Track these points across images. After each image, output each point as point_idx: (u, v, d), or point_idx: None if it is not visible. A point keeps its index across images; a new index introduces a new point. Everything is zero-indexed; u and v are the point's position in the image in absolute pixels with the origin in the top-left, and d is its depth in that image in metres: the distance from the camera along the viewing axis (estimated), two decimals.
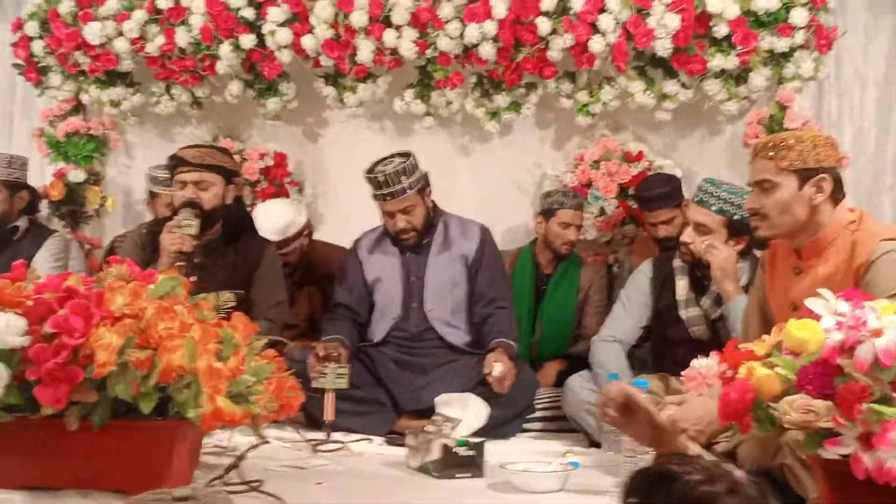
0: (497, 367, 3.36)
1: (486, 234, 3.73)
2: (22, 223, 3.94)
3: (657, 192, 3.85)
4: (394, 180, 3.46)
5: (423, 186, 3.58)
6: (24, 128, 4.80)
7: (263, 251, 3.55)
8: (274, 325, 3.39)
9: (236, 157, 4.44)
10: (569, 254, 4.03)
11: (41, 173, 4.61)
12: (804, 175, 2.44)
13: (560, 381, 3.61)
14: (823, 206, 2.46)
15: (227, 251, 3.49)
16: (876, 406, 1.68)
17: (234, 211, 3.48)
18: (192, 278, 3.27)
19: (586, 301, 4.02)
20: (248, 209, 4.06)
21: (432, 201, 3.66)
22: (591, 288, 4.03)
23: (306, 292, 4.10)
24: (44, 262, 3.78)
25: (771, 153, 2.46)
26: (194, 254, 3.30)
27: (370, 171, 3.51)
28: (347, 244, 3.93)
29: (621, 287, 3.69)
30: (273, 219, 3.96)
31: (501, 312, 3.59)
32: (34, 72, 4.47)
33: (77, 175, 4.48)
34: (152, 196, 4.19)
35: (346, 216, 4.44)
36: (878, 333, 1.75)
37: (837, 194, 2.48)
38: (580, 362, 3.57)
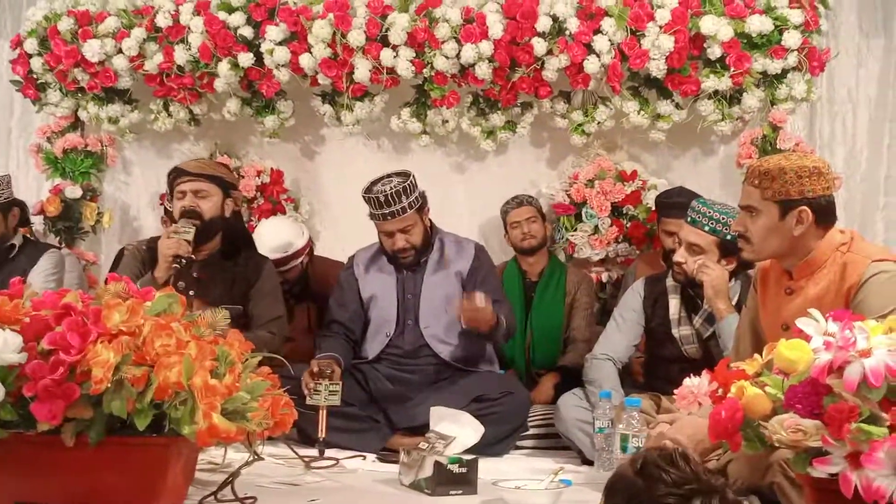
0: (479, 295, 3.37)
1: (480, 251, 3.75)
2: (17, 240, 3.95)
3: (676, 200, 3.89)
4: (393, 200, 3.46)
5: (422, 205, 3.59)
6: (21, 144, 4.82)
7: (261, 267, 3.57)
8: (275, 336, 3.43)
9: (234, 174, 4.47)
10: (532, 247, 4.10)
11: (38, 189, 4.64)
12: (786, 206, 2.47)
13: (556, 395, 3.63)
14: (810, 231, 2.48)
15: (225, 266, 3.53)
16: (864, 426, 1.70)
17: (233, 226, 3.51)
18: (191, 292, 3.30)
19: (574, 304, 4.09)
20: (247, 225, 4.10)
21: (430, 220, 3.68)
22: (577, 291, 4.10)
23: (305, 307, 4.11)
24: (38, 277, 3.79)
25: (757, 181, 2.49)
26: (192, 268, 3.32)
27: (368, 190, 3.50)
28: (343, 261, 3.95)
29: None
30: (274, 237, 3.98)
31: (498, 309, 3.54)
32: (32, 88, 4.49)
33: (74, 191, 4.50)
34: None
35: (342, 233, 4.47)
36: (866, 354, 1.77)
37: (826, 220, 2.50)
38: (574, 376, 3.59)
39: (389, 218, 3.50)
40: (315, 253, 4.35)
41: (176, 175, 3.48)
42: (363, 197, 3.53)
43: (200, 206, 3.41)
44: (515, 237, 4.11)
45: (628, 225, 4.29)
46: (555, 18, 3.98)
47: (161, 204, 4.36)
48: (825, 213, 2.49)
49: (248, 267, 3.51)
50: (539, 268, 4.14)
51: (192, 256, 3.35)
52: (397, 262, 3.63)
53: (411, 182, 3.52)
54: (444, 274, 3.64)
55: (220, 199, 3.46)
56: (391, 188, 3.46)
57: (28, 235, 4.09)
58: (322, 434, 3.17)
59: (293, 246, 4.00)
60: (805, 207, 2.46)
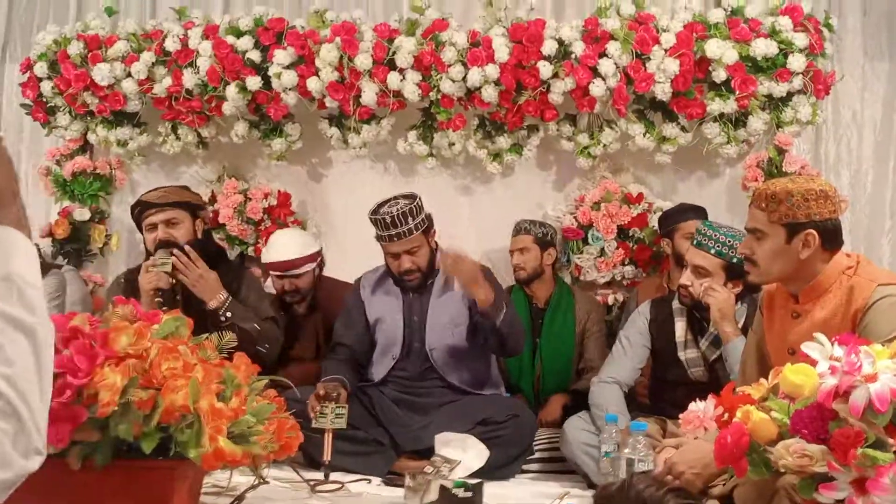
0: (454, 247, 3.34)
1: (486, 272, 3.74)
2: None
3: (686, 206, 3.98)
4: (400, 221, 3.46)
5: (429, 227, 3.59)
6: (30, 166, 4.85)
7: (242, 275, 3.55)
8: (276, 324, 3.40)
9: (240, 196, 4.50)
10: (521, 279, 4.09)
11: (47, 211, 4.66)
12: (793, 229, 2.46)
13: (565, 416, 3.61)
14: (816, 255, 2.47)
15: None
16: (870, 451, 1.70)
17: (206, 243, 3.50)
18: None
19: (585, 333, 4.06)
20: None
21: (436, 242, 3.69)
22: (588, 320, 4.07)
23: (312, 321, 4.11)
24: None
25: (763, 204, 2.49)
26: (175, 291, 3.31)
27: (375, 212, 3.50)
28: (349, 282, 3.95)
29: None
30: (284, 243, 4.02)
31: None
32: (42, 111, 4.53)
33: (82, 213, 4.53)
34: None
35: (349, 255, 4.47)
36: (872, 378, 1.77)
37: (832, 243, 2.49)
38: (585, 397, 3.57)
39: (395, 239, 3.50)
40: (329, 276, 4.37)
41: (142, 209, 3.45)
42: (370, 218, 3.53)
43: (173, 235, 3.39)
44: (513, 265, 4.10)
45: (634, 247, 4.29)
46: (560, 42, 4.01)
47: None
48: (832, 237, 2.49)
49: (228, 279, 3.49)
50: (545, 294, 4.11)
51: (173, 282, 3.33)
52: (403, 284, 3.63)
53: (418, 204, 3.52)
54: (450, 297, 3.63)
55: (190, 224, 3.45)
56: (398, 210, 3.46)
57: None
58: (327, 457, 3.16)
59: (308, 246, 4.02)
60: (812, 230, 2.45)
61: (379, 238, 3.56)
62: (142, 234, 3.53)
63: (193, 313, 3.20)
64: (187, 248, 3.31)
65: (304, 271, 3.99)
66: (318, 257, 4.07)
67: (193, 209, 3.47)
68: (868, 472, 1.69)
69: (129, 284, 3.45)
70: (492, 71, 3.99)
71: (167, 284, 3.28)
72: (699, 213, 3.95)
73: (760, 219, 2.51)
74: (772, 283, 2.62)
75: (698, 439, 2.30)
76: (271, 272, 4.04)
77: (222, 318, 3.30)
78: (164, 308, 3.11)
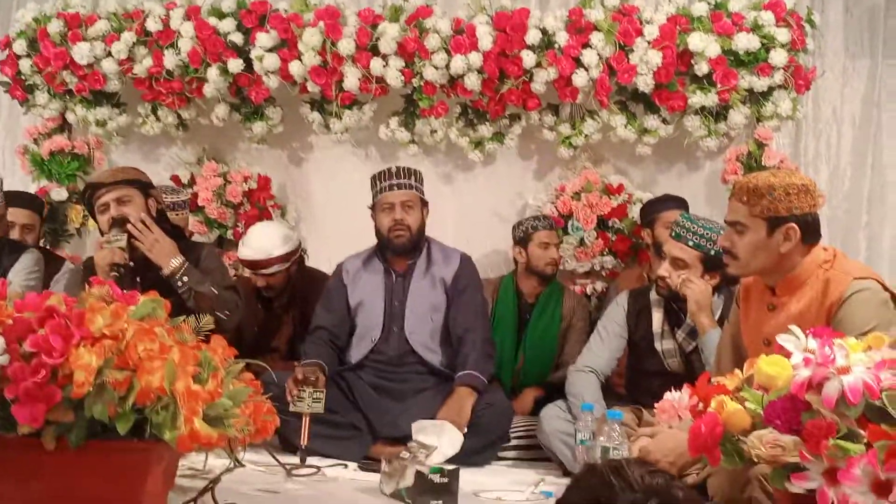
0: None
1: (466, 260, 3.75)
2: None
3: (668, 196, 4.02)
4: (405, 174, 3.64)
5: (425, 201, 3.70)
6: (8, 145, 4.82)
7: (199, 250, 3.51)
8: (236, 293, 3.38)
9: (219, 179, 4.48)
10: (554, 273, 4.08)
11: (24, 191, 4.60)
12: (774, 223, 2.48)
13: (537, 409, 3.63)
14: (796, 248, 2.49)
15: None
16: (842, 442, 1.72)
17: (160, 222, 3.47)
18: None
19: (569, 329, 4.07)
20: (233, 230, 4.10)
21: (424, 221, 3.72)
22: (573, 316, 4.08)
23: (290, 316, 4.11)
24: (17, 276, 3.76)
25: (745, 198, 2.50)
26: (134, 269, 3.28)
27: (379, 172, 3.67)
28: (328, 268, 3.95)
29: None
30: (257, 237, 4.00)
31: (472, 340, 3.57)
32: (20, 90, 4.48)
33: (60, 193, 4.49)
34: None
35: (329, 240, 4.48)
36: (845, 371, 1.79)
37: (811, 237, 2.51)
38: (558, 390, 3.60)
39: (396, 189, 3.60)
40: (311, 266, 4.35)
41: (92, 190, 3.42)
42: (373, 176, 3.67)
43: (126, 212, 3.36)
44: (538, 258, 4.03)
45: (614, 238, 4.31)
46: (544, 32, 4.01)
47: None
48: (811, 231, 2.51)
49: (186, 254, 3.45)
50: (538, 290, 4.11)
51: (130, 263, 3.29)
52: (392, 245, 3.62)
53: (421, 176, 3.70)
54: (430, 281, 3.66)
55: (142, 201, 3.40)
56: (404, 166, 3.68)
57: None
58: (304, 441, 3.17)
59: (275, 251, 3.96)
60: (793, 224, 2.47)
61: (379, 192, 3.64)
62: (94, 218, 3.48)
63: (151, 286, 3.18)
64: (143, 215, 3.28)
65: (274, 270, 3.97)
66: (291, 257, 4.03)
67: (144, 187, 3.42)
68: (839, 463, 1.70)
69: (87, 271, 3.40)
70: (475, 59, 3.99)
71: (122, 260, 3.23)
72: (680, 203, 3.98)
73: (741, 212, 2.52)
74: (751, 275, 2.63)
75: (673, 429, 2.32)
76: (244, 266, 4.04)
77: (179, 283, 3.26)
78: (123, 281, 3.09)
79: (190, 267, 3.29)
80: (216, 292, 3.27)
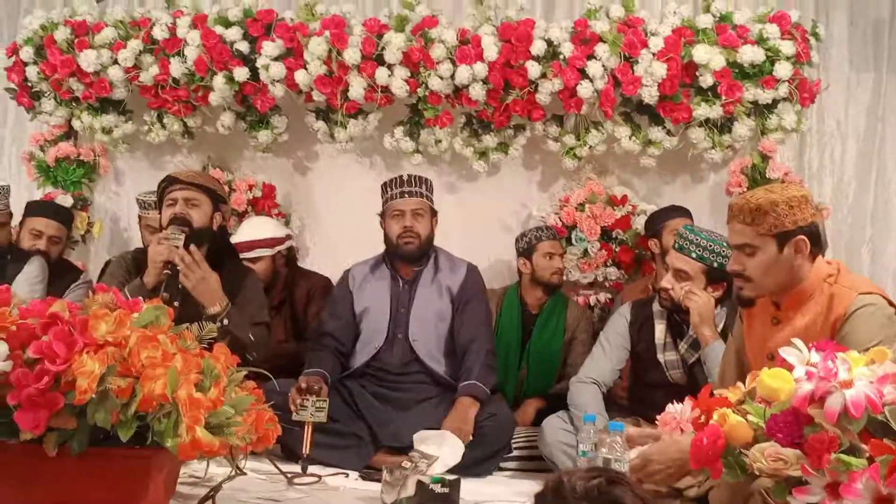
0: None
1: (472, 271, 3.76)
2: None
3: (672, 206, 4.02)
4: (416, 181, 3.66)
5: (435, 210, 3.72)
6: (14, 151, 4.83)
7: (245, 277, 3.55)
8: (267, 328, 3.41)
9: (224, 188, 4.48)
10: (560, 283, 4.08)
11: (29, 197, 4.61)
12: (783, 238, 2.46)
13: (538, 420, 3.63)
14: (803, 262, 2.49)
15: None
16: (844, 456, 1.72)
17: (219, 238, 3.50)
18: (175, 303, 3.27)
19: (573, 340, 4.06)
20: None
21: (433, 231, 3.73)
22: (577, 328, 4.08)
23: (282, 318, 4.11)
24: (22, 283, 3.78)
25: (749, 218, 2.47)
26: (179, 279, 3.30)
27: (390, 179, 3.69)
28: (332, 276, 3.95)
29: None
30: (248, 227, 4.11)
31: (476, 351, 3.58)
32: (27, 96, 4.50)
33: (65, 200, 4.49)
34: (139, 221, 4.25)
35: (332, 248, 4.49)
36: (848, 385, 1.79)
37: (818, 247, 2.50)
38: (560, 401, 3.59)
39: (407, 196, 3.62)
40: (305, 266, 4.37)
41: (168, 183, 3.46)
42: (384, 183, 3.68)
43: (190, 215, 3.37)
44: (543, 268, 4.04)
45: (617, 249, 4.31)
46: (549, 42, 4.02)
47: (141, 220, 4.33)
48: (817, 240, 2.50)
49: (231, 278, 3.48)
50: (542, 301, 4.10)
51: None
52: (400, 251, 3.63)
53: (431, 185, 3.73)
54: (436, 290, 3.66)
55: (210, 210, 3.43)
56: (415, 175, 3.71)
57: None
58: (306, 450, 3.17)
59: (257, 234, 4.04)
60: (802, 236, 2.46)
61: (390, 199, 3.65)
62: (159, 210, 3.49)
63: (193, 303, 3.21)
64: (192, 248, 3.28)
65: (256, 255, 3.99)
66: (275, 244, 4.07)
67: (217, 199, 3.45)
68: (841, 477, 1.70)
69: (135, 262, 3.44)
70: (480, 69, 3.99)
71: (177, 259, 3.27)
72: (686, 214, 3.99)
73: (748, 233, 2.49)
74: (766, 295, 2.57)
75: (676, 438, 2.31)
76: None
77: (218, 325, 3.27)
78: (167, 292, 3.13)
79: (233, 309, 3.28)
80: (252, 339, 3.28)
